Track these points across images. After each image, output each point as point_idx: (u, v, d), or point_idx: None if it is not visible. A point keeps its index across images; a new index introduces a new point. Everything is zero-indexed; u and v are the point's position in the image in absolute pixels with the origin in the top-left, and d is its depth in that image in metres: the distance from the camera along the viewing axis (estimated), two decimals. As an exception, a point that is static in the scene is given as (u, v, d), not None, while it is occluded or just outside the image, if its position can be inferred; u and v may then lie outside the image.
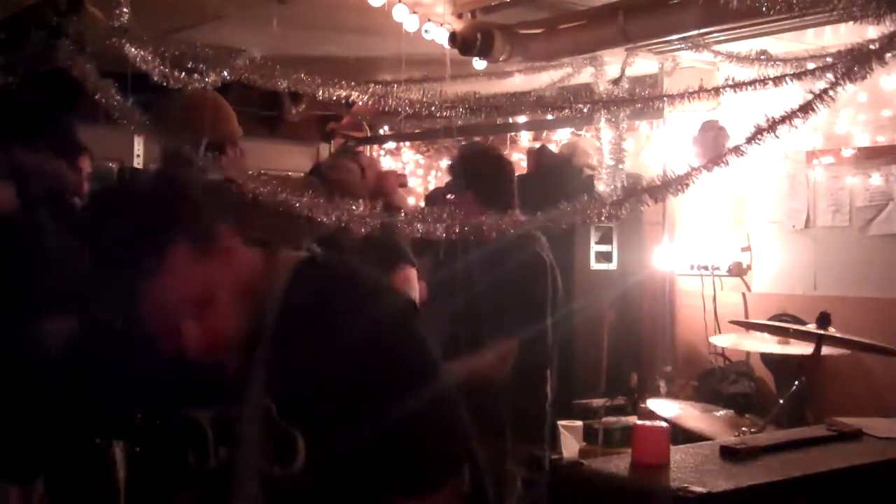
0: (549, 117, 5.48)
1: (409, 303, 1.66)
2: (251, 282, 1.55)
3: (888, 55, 2.98)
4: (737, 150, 3.11)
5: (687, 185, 3.15)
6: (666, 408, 3.79)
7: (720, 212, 5.07)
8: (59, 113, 2.82)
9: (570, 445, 4.32)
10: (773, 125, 3.00)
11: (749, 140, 3.06)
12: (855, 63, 2.89)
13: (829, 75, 3.00)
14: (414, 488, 1.54)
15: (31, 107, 2.83)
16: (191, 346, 1.49)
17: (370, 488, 1.54)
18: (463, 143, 5.76)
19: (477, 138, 6.16)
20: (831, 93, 2.96)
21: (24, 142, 2.64)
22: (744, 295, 4.94)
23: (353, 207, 3.09)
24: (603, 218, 3.20)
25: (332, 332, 1.50)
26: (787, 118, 2.98)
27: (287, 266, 1.59)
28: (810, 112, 2.99)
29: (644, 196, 3.18)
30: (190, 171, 2.67)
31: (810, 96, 3.03)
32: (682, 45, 4.36)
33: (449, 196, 3.58)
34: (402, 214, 3.18)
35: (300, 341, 1.52)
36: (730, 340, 4.32)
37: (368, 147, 6.89)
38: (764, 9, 3.23)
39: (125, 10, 3.45)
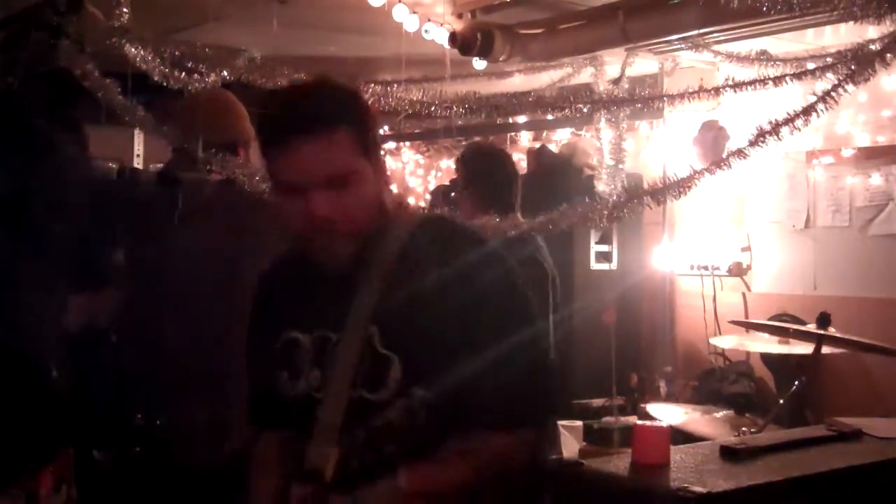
0: (549, 117, 5.47)
1: (515, 266, 1.78)
2: (387, 205, 1.73)
3: (890, 56, 2.99)
4: (739, 152, 3.12)
5: (689, 188, 3.16)
6: (667, 413, 3.78)
7: (720, 212, 5.07)
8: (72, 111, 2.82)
9: (570, 445, 4.32)
10: (775, 127, 3.01)
11: (752, 143, 3.07)
12: (858, 65, 2.90)
13: (831, 75, 3.01)
14: (501, 422, 1.64)
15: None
16: (318, 214, 1.63)
17: (456, 419, 1.63)
18: (463, 142, 5.77)
19: (477, 138, 6.16)
20: (834, 95, 2.96)
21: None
22: (744, 295, 4.94)
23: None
24: (604, 220, 3.21)
25: (447, 275, 1.65)
26: (790, 120, 2.99)
27: (415, 216, 1.81)
28: (812, 114, 3.00)
29: (646, 198, 3.19)
30: (194, 167, 2.68)
31: (812, 97, 3.03)
32: (682, 45, 4.37)
33: (452, 194, 3.58)
34: None
35: (416, 279, 1.66)
36: (730, 342, 4.32)
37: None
38: (764, 9, 3.24)
39: (125, 10, 3.45)
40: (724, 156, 3.49)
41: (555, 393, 1.77)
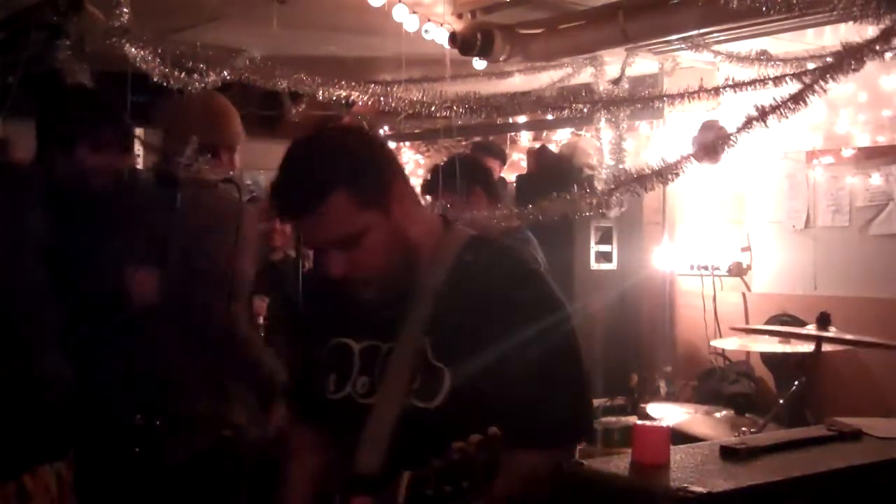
0: (549, 117, 5.47)
1: (554, 286, 1.86)
2: (416, 236, 1.79)
3: (887, 54, 2.98)
4: (727, 139, 3.11)
5: (676, 174, 3.15)
6: (667, 413, 3.78)
7: (720, 212, 5.07)
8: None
9: (570, 445, 4.32)
10: (763, 114, 3.00)
11: (740, 129, 3.07)
12: (846, 56, 2.89)
13: (815, 65, 2.99)
14: (536, 441, 1.65)
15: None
16: (337, 273, 1.73)
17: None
18: (463, 142, 5.77)
19: (477, 138, 6.17)
20: (823, 84, 2.95)
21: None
22: (744, 295, 4.94)
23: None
24: (594, 209, 3.21)
25: (496, 292, 1.73)
26: (778, 107, 2.98)
27: (461, 236, 1.86)
28: (801, 103, 2.98)
29: (634, 186, 3.18)
30: (178, 168, 2.67)
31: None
32: (682, 45, 4.37)
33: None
34: None
35: (467, 294, 1.74)
36: (731, 344, 4.32)
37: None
38: (764, 9, 3.24)
39: (125, 10, 3.45)
40: (726, 159, 3.50)
41: (589, 415, 1.81)
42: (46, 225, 2.48)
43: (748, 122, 3.07)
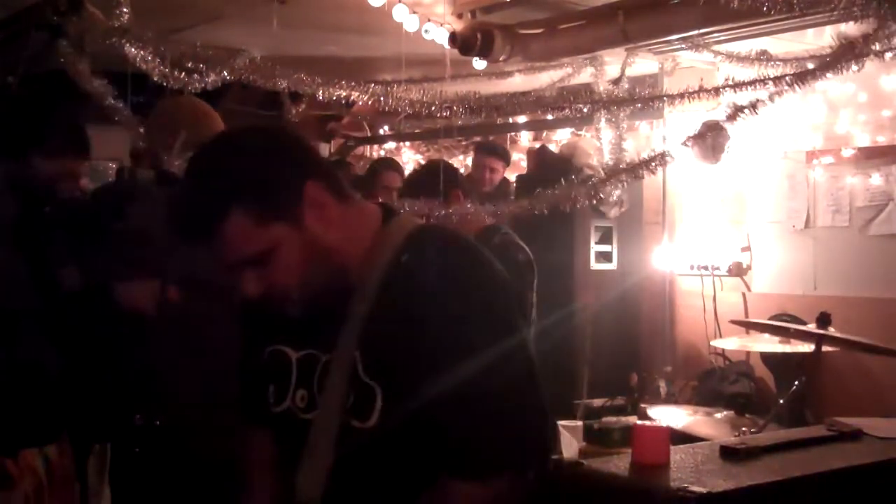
0: (549, 117, 5.47)
1: (511, 286, 1.68)
2: (341, 239, 1.59)
3: (887, 54, 2.98)
4: (717, 126, 3.11)
5: (666, 163, 3.14)
6: (667, 415, 3.77)
7: (720, 212, 5.07)
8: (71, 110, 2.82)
9: (570, 445, 4.32)
10: (754, 105, 3.00)
11: (729, 118, 3.07)
12: (840, 53, 2.89)
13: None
14: (471, 471, 1.53)
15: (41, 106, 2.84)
16: (251, 293, 1.56)
17: (431, 464, 1.55)
18: (464, 142, 5.77)
19: (477, 138, 6.17)
20: (811, 78, 2.94)
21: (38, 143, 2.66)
22: (744, 295, 4.94)
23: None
24: (587, 200, 3.21)
25: (434, 301, 1.54)
26: (771, 96, 2.98)
27: (402, 230, 1.64)
28: (788, 89, 2.97)
29: (625, 176, 3.19)
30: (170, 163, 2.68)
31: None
32: (682, 45, 4.36)
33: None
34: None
35: (401, 302, 1.56)
36: (731, 344, 4.32)
37: (368, 147, 6.89)
38: (764, 9, 3.24)
39: (125, 10, 3.45)
40: (727, 160, 3.51)
41: (536, 441, 1.57)
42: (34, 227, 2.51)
43: (737, 110, 3.07)
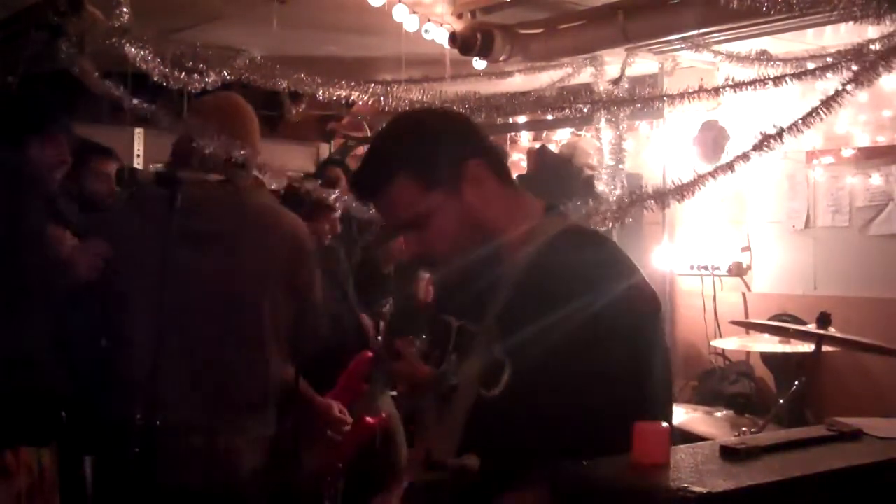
0: (549, 117, 5.47)
1: (654, 301, 1.75)
2: (495, 218, 1.75)
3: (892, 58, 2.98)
4: (744, 156, 3.12)
5: (693, 192, 3.16)
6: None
7: (720, 212, 5.07)
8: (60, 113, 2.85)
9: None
10: (780, 133, 3.01)
11: (756, 147, 3.07)
12: (860, 69, 2.90)
13: (831, 75, 3.00)
14: (570, 452, 1.58)
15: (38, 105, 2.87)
16: (409, 251, 1.78)
17: (534, 439, 1.63)
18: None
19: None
20: (838, 100, 2.96)
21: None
22: (744, 295, 4.94)
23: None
24: (607, 222, 3.21)
25: (566, 295, 1.62)
26: (794, 126, 2.99)
27: (557, 225, 1.78)
28: (817, 118, 3.00)
29: (649, 202, 3.19)
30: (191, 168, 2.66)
31: (813, 98, 3.04)
32: (682, 45, 4.37)
33: None
34: None
35: (538, 291, 1.67)
36: (731, 344, 4.32)
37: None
38: (764, 9, 3.24)
39: (125, 10, 3.45)
40: (726, 159, 3.51)
41: (622, 443, 1.61)
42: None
43: (765, 139, 3.09)
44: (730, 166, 3.17)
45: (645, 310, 1.71)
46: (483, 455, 1.69)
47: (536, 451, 1.60)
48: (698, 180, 3.14)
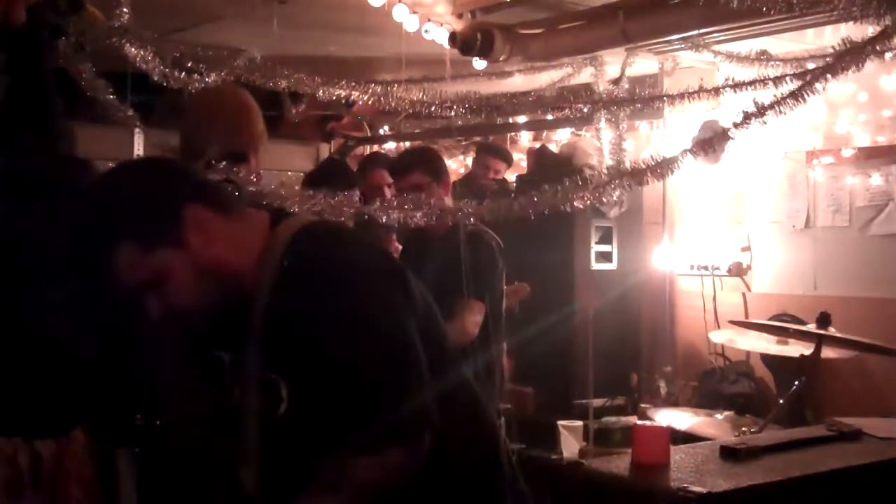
0: (549, 117, 5.47)
1: (394, 272, 1.78)
2: (229, 253, 1.71)
3: (887, 54, 2.98)
4: (725, 135, 3.11)
5: (671, 170, 3.14)
6: (670, 419, 3.77)
7: (720, 212, 5.07)
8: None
9: (570, 445, 4.32)
10: (761, 110, 3.00)
11: (737, 126, 3.06)
12: (847, 55, 2.89)
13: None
14: (362, 446, 1.64)
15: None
16: (154, 316, 1.69)
17: (330, 444, 1.66)
18: (463, 142, 5.78)
19: (477, 138, 6.17)
20: (821, 84, 2.94)
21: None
22: (744, 295, 4.94)
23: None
24: (587, 203, 3.19)
25: (313, 298, 1.66)
26: (776, 104, 2.98)
27: (285, 235, 1.74)
28: (800, 101, 2.98)
29: (629, 181, 3.17)
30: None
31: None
32: (682, 45, 4.37)
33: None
34: (379, 202, 3.23)
35: (287, 302, 1.67)
36: (728, 336, 4.31)
37: (368, 147, 6.89)
38: (764, 9, 3.24)
39: (125, 10, 3.45)
40: (725, 157, 3.50)
41: (424, 409, 1.68)
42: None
43: (746, 118, 3.07)
44: (710, 145, 3.14)
45: (384, 279, 1.74)
46: (288, 471, 1.73)
47: (333, 451, 1.65)
48: (676, 158, 3.11)
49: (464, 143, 6.49)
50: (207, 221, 1.70)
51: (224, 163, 2.66)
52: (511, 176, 5.98)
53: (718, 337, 4.44)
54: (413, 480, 1.68)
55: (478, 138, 6.12)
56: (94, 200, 1.73)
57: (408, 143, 6.94)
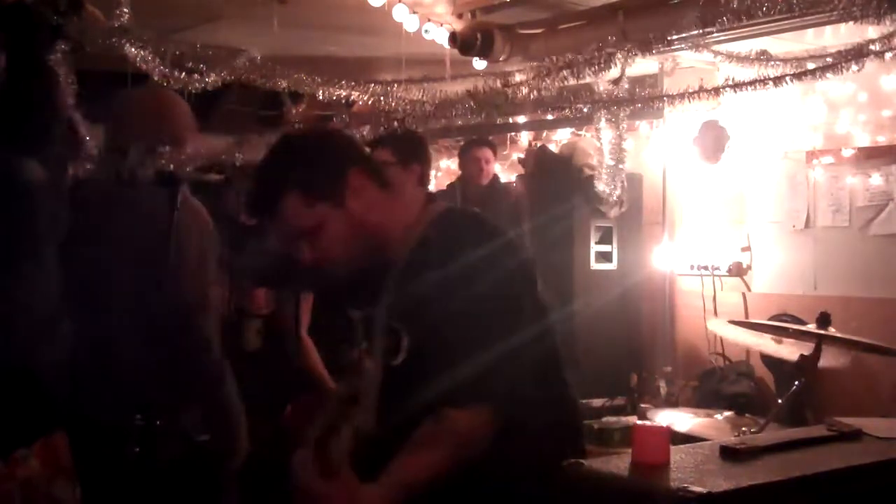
0: (549, 117, 5.47)
1: (521, 260, 1.99)
2: (380, 221, 1.98)
3: (887, 54, 2.98)
4: (707, 91, 3.10)
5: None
6: (671, 420, 3.77)
7: (720, 212, 5.07)
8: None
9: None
10: (737, 84, 3.01)
11: (715, 89, 3.07)
12: (849, 57, 2.90)
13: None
14: (454, 401, 1.80)
15: None
16: (305, 262, 1.95)
17: (431, 394, 1.82)
18: (462, 142, 5.76)
19: (475, 138, 6.14)
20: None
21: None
22: (744, 295, 4.94)
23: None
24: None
25: (440, 265, 1.86)
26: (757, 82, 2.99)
27: (433, 213, 2.03)
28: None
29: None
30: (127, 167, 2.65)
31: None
32: (682, 45, 4.36)
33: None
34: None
35: (419, 266, 1.90)
36: (727, 329, 4.30)
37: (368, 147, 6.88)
38: (764, 9, 3.24)
39: (125, 10, 3.45)
40: (724, 157, 3.50)
41: (512, 381, 1.84)
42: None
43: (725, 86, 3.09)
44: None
45: (511, 264, 1.93)
46: (396, 420, 1.89)
47: (433, 402, 1.81)
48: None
49: (463, 143, 6.48)
50: (366, 187, 1.97)
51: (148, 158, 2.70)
52: (511, 176, 5.97)
53: (716, 325, 4.42)
54: (501, 446, 1.82)
55: (476, 137, 6.09)
56: (278, 150, 2.01)
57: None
